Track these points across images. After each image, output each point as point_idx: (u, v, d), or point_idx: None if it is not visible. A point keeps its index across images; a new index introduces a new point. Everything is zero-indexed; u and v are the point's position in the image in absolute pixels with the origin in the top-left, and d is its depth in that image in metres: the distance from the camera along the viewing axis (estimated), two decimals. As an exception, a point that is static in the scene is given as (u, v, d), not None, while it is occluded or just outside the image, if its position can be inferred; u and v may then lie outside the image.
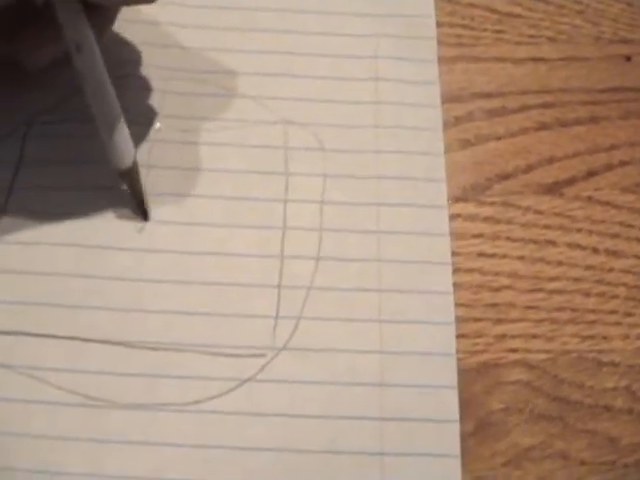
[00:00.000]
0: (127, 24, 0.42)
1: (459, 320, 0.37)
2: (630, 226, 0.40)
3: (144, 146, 0.40)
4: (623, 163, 0.42)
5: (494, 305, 0.38)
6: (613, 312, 0.38)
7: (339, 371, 0.36)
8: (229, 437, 0.34)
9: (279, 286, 0.37)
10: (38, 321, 0.36)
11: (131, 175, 0.38)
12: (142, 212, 0.38)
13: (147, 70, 0.42)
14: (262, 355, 0.36)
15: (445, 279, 0.38)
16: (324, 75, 0.43)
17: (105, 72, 0.35)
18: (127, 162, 0.37)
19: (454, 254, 0.39)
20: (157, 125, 0.41)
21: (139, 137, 0.40)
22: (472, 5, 0.45)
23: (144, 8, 0.41)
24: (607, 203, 0.41)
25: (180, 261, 0.38)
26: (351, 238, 0.39)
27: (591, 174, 0.41)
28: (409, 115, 0.42)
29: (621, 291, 0.39)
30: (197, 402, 0.35)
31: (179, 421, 0.34)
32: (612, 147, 0.42)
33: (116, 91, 0.37)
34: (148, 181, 0.39)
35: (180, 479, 0.34)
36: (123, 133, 0.36)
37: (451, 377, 0.36)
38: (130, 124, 0.38)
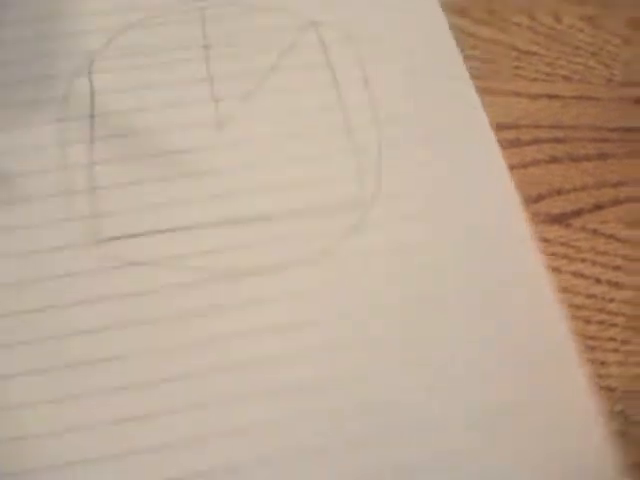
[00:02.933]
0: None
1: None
2: (632, 259, 0.42)
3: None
4: (629, 199, 0.44)
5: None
6: (611, 339, 0.40)
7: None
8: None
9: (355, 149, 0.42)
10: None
11: None
12: None
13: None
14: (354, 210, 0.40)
15: None
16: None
17: None
18: None
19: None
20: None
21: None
22: (494, 41, 0.47)
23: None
24: (611, 236, 0.43)
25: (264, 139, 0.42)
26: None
27: (598, 207, 0.43)
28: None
29: (620, 320, 0.41)
30: (286, 265, 0.38)
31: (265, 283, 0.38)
32: (619, 183, 0.44)
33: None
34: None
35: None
36: None
37: None
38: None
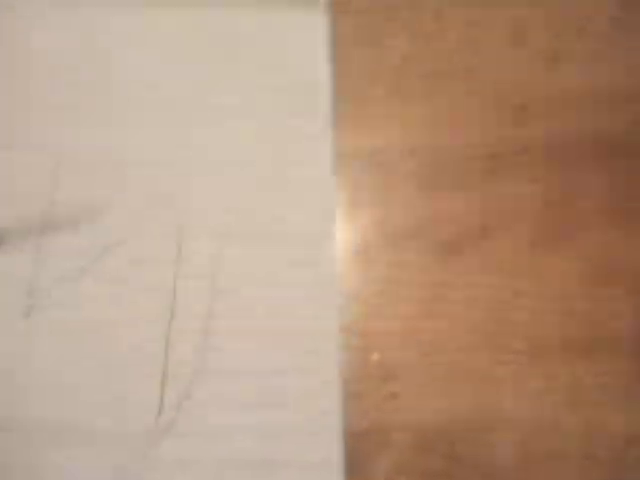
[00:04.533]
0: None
1: (350, 381, 0.38)
2: (524, 286, 0.40)
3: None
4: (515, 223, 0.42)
5: (382, 365, 0.38)
6: (506, 374, 0.38)
7: (225, 453, 0.36)
8: None
9: (164, 373, 0.38)
10: None
11: None
12: None
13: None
14: (146, 439, 0.36)
15: (330, 355, 0.39)
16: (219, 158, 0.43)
17: None
18: None
19: (343, 315, 0.39)
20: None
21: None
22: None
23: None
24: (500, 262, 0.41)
25: (65, 342, 0.38)
26: (237, 324, 0.39)
27: (487, 232, 0.41)
28: (306, 190, 0.42)
29: (517, 345, 0.39)
30: None
31: None
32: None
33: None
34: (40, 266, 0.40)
35: None
36: None
37: (336, 454, 0.37)
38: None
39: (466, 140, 0.43)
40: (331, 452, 0.36)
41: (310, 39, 0.45)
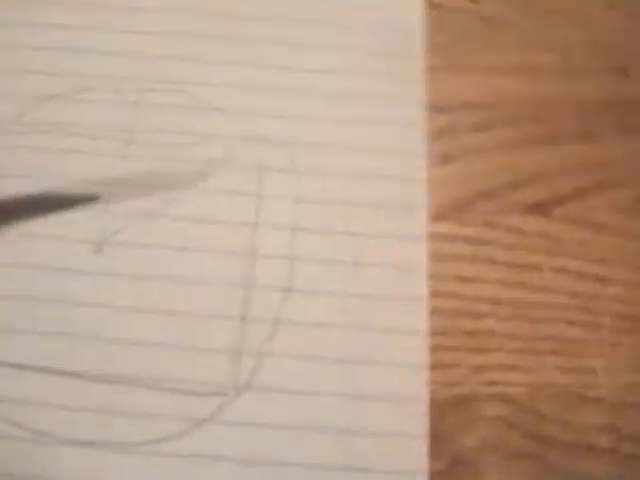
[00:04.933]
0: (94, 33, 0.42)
1: (433, 349, 0.36)
2: (620, 250, 0.38)
3: (114, 162, 0.39)
4: (615, 183, 0.40)
5: (472, 333, 0.36)
6: (599, 343, 0.36)
7: (303, 414, 0.34)
8: None
9: (243, 318, 0.36)
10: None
11: None
12: None
13: (117, 82, 0.41)
14: (222, 394, 0.34)
15: (418, 318, 0.36)
16: (303, 91, 0.41)
17: None
18: None
19: (431, 277, 0.37)
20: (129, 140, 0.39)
21: (109, 153, 0.39)
22: (460, 11, 0.43)
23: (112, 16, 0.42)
24: (597, 225, 0.39)
25: (137, 286, 0.36)
26: (322, 269, 0.37)
27: (581, 193, 0.39)
28: (389, 136, 0.40)
29: (608, 320, 0.37)
30: (150, 442, 0.33)
31: (130, 462, 0.33)
32: (604, 165, 0.40)
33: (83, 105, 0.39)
34: (110, 198, 0.38)
35: None
36: None
37: (420, 425, 0.34)
38: (100, 139, 0.38)
39: (567, 98, 0.41)
40: (417, 421, 0.34)
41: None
